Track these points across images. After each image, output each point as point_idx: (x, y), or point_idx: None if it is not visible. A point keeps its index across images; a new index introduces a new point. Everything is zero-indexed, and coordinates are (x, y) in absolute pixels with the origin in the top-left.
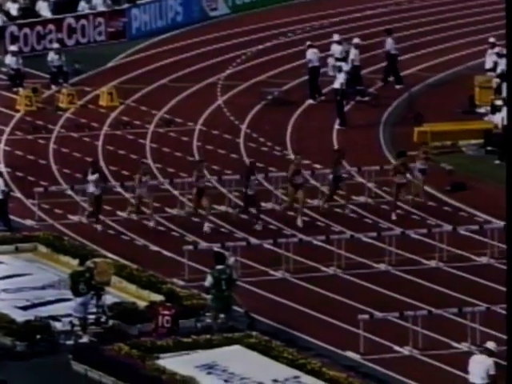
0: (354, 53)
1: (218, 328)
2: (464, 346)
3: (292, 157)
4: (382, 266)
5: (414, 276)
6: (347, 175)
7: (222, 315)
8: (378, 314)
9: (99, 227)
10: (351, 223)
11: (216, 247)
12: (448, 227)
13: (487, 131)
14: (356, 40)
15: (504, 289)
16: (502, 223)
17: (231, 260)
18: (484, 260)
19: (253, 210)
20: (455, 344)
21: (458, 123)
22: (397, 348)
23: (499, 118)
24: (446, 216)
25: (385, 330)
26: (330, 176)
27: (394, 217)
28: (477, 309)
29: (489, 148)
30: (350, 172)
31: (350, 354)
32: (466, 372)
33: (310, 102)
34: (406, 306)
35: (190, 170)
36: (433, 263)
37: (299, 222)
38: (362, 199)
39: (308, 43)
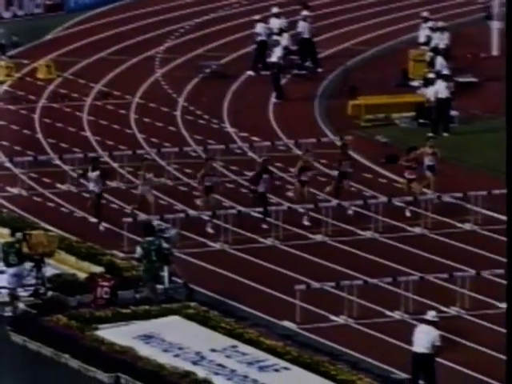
0: (302, 25)
1: (155, 299)
2: (397, 315)
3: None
4: (319, 237)
5: (350, 246)
6: (352, 171)
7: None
8: (315, 284)
9: (102, 227)
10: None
11: (155, 219)
12: (383, 198)
13: (419, 104)
14: (305, 12)
15: (438, 258)
16: (435, 194)
17: (172, 232)
18: (418, 230)
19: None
20: (389, 312)
21: (391, 96)
22: (332, 317)
23: (431, 91)
24: (381, 187)
25: (321, 299)
26: (336, 172)
27: (407, 213)
28: (411, 278)
29: (421, 120)
30: (287, 145)
31: (286, 323)
32: (400, 340)
33: (250, 73)
34: (342, 275)
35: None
36: (368, 234)
37: (306, 221)
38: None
39: (256, 17)
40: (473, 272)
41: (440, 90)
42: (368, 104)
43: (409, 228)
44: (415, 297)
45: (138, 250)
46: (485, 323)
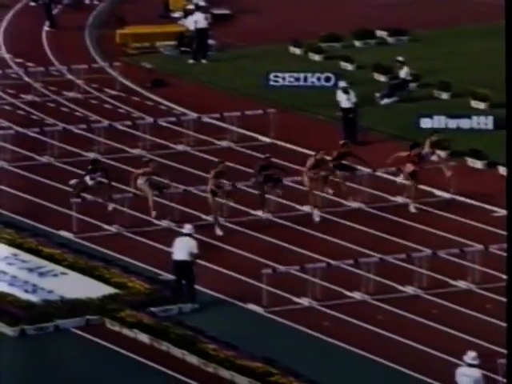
0: None
1: None
2: (164, 223)
3: None
4: (92, 154)
5: (122, 163)
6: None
7: None
8: (89, 198)
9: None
10: (64, 117)
11: None
12: (150, 119)
13: (181, 34)
14: None
15: (200, 173)
16: (196, 115)
17: None
18: (180, 147)
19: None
20: (157, 221)
21: (155, 26)
22: (106, 226)
23: (191, 22)
24: (147, 110)
25: (95, 211)
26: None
27: (412, 209)
28: (176, 191)
29: (182, 49)
30: (60, 70)
31: (63, 233)
32: (167, 245)
33: (32, 4)
34: (115, 190)
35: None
36: (137, 151)
37: (316, 217)
38: (72, 94)
39: None
40: (229, 184)
41: (198, 20)
42: (134, 33)
43: (172, 145)
44: (180, 207)
45: None
46: (243, 229)
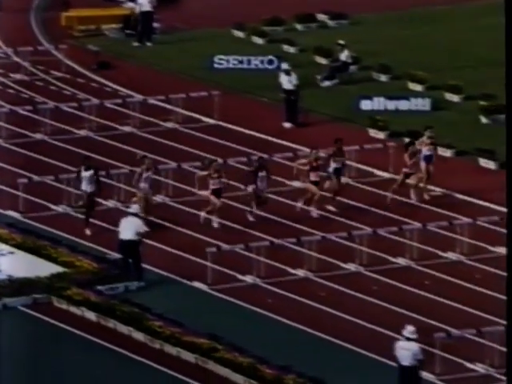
0: None
1: None
2: (111, 203)
3: None
4: (38, 136)
5: (68, 144)
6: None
7: None
8: (36, 178)
9: (88, 231)
10: (10, 98)
11: None
12: (95, 101)
13: (126, 17)
14: None
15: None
16: (141, 97)
17: None
18: (127, 129)
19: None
20: (104, 202)
21: (101, 9)
22: (53, 207)
23: (136, 5)
24: (93, 91)
25: (42, 191)
26: (330, 169)
27: (388, 200)
28: (121, 171)
29: (127, 31)
30: (6, 52)
31: (10, 212)
32: (116, 226)
33: None
34: (61, 170)
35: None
36: (83, 133)
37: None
38: (18, 76)
39: None
40: (174, 165)
41: (143, 3)
42: (80, 16)
43: (118, 126)
44: (125, 187)
45: None
46: (187, 208)
